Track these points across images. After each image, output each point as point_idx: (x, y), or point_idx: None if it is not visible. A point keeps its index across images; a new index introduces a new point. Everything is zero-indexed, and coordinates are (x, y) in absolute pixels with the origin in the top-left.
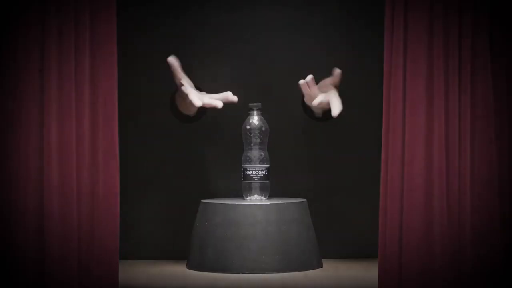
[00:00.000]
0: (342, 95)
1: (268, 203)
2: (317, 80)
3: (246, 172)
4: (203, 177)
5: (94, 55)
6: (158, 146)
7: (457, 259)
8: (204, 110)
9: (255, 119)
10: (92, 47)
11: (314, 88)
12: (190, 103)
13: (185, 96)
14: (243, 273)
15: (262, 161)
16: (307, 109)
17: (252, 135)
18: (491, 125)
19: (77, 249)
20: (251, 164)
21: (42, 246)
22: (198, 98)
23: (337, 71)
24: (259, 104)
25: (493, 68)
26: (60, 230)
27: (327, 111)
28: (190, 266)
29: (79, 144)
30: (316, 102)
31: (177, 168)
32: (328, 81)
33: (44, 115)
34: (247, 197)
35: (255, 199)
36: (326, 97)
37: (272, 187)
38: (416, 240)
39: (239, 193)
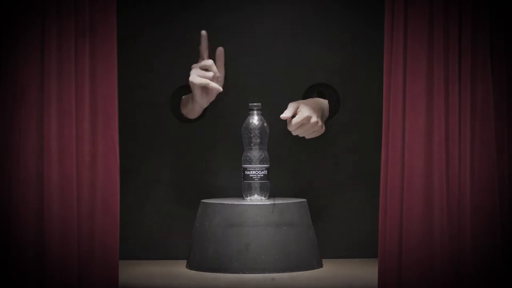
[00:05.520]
0: (342, 95)
1: (268, 203)
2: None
3: (246, 172)
4: (203, 177)
5: (94, 55)
6: (158, 146)
7: (457, 259)
8: (203, 112)
9: (255, 119)
10: (92, 47)
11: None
12: (193, 106)
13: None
14: (243, 273)
15: (262, 161)
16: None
17: (252, 135)
18: (491, 125)
19: (77, 249)
20: (251, 164)
21: (42, 246)
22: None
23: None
24: (259, 104)
25: (493, 68)
26: (60, 230)
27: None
28: (190, 266)
29: (79, 144)
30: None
31: (177, 168)
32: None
33: (44, 115)
34: (247, 197)
35: (255, 199)
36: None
37: (272, 187)
38: (416, 240)
39: (239, 193)
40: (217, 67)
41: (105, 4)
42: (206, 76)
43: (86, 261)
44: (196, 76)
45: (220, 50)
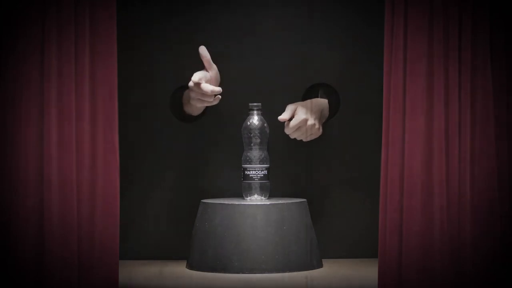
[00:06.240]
0: (342, 95)
1: (268, 203)
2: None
3: (246, 172)
4: (203, 177)
5: (94, 55)
6: (158, 146)
7: (457, 258)
8: (205, 109)
9: (255, 119)
10: (92, 47)
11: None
12: (196, 103)
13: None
14: (243, 273)
15: (262, 161)
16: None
17: (252, 135)
18: (491, 125)
19: (77, 249)
20: (251, 164)
21: (42, 246)
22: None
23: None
24: (259, 104)
25: (493, 68)
26: (60, 230)
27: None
28: (190, 266)
29: (79, 144)
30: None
31: (177, 168)
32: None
33: (44, 115)
34: (247, 197)
35: (255, 199)
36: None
37: (272, 187)
38: (416, 240)
39: (239, 193)
40: (206, 67)
41: (105, 4)
42: (207, 101)
43: (86, 261)
44: (197, 100)
45: (202, 49)
